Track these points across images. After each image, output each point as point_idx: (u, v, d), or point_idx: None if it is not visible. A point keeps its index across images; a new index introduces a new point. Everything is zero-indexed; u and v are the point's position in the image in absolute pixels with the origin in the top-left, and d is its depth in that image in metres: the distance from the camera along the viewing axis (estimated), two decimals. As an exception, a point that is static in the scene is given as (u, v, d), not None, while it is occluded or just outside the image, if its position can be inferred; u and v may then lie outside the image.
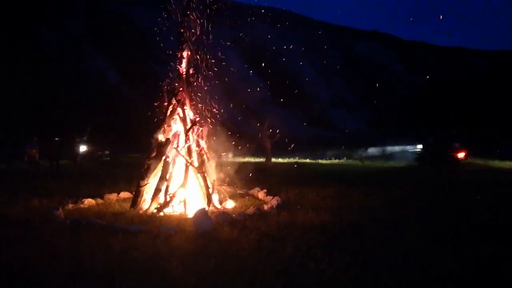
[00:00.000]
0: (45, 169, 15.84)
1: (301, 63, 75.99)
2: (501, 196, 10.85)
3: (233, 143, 11.26)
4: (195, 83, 9.60)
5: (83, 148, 17.30)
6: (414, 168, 19.86)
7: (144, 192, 8.93)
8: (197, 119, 9.41)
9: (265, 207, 8.70)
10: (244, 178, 12.59)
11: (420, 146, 21.82)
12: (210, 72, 9.75)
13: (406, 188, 11.70)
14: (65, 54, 60.12)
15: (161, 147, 9.09)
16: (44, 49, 58.61)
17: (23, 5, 58.86)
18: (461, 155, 19.57)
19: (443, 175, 16.09)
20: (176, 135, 9.31)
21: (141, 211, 8.57)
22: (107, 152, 17.01)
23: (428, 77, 75.58)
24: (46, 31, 61.94)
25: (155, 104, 9.47)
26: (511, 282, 4.82)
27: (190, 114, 9.46)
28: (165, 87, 9.47)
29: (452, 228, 7.16)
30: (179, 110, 9.40)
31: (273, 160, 21.33)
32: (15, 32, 54.34)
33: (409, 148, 22.07)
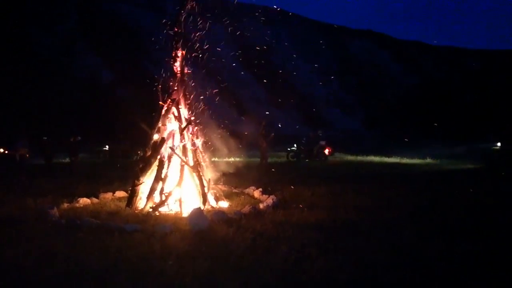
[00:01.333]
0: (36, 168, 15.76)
1: (295, 62, 76.04)
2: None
3: (228, 142, 11.26)
4: (189, 82, 9.60)
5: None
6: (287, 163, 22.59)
7: (140, 191, 8.93)
8: (192, 118, 9.41)
9: (261, 206, 8.72)
10: (240, 177, 12.63)
11: (295, 145, 24.77)
12: (204, 71, 9.76)
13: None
14: (57, 53, 59.72)
15: (156, 146, 9.08)
16: (35, 47, 58.18)
17: (14, 3, 58.41)
18: (327, 151, 23.40)
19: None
20: (171, 134, 9.31)
21: (136, 210, 8.56)
22: (22, 153, 15.51)
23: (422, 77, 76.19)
24: (37, 29, 61.49)
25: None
26: (502, 279, 4.87)
27: (185, 113, 9.46)
28: (160, 86, 9.46)
29: (443, 226, 7.23)
30: (173, 109, 9.39)
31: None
32: (6, 31, 53.91)
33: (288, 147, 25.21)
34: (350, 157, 25.88)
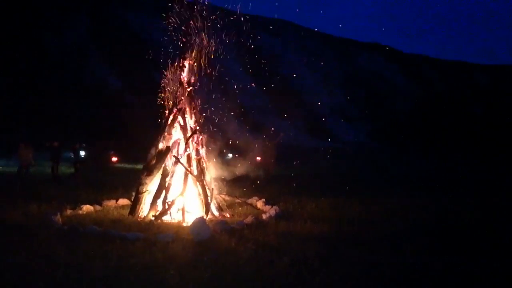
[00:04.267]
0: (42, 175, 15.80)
1: (302, 74, 76.26)
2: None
3: (233, 152, 11.28)
4: (196, 92, 9.66)
5: None
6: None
7: (143, 200, 8.93)
8: (197, 127, 9.44)
9: (264, 216, 8.69)
10: (244, 187, 12.60)
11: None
12: (211, 81, 9.80)
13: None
14: (66, 60, 60.39)
15: (161, 155, 9.10)
16: (45, 54, 58.88)
17: (25, 10, 59.33)
18: (114, 159, 25.79)
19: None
20: (176, 143, 9.34)
21: (139, 219, 8.56)
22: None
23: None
24: (48, 36, 62.30)
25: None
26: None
27: (190, 122, 9.49)
28: (167, 96, 9.51)
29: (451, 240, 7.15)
30: (179, 118, 9.44)
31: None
32: (17, 37, 54.67)
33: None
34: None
